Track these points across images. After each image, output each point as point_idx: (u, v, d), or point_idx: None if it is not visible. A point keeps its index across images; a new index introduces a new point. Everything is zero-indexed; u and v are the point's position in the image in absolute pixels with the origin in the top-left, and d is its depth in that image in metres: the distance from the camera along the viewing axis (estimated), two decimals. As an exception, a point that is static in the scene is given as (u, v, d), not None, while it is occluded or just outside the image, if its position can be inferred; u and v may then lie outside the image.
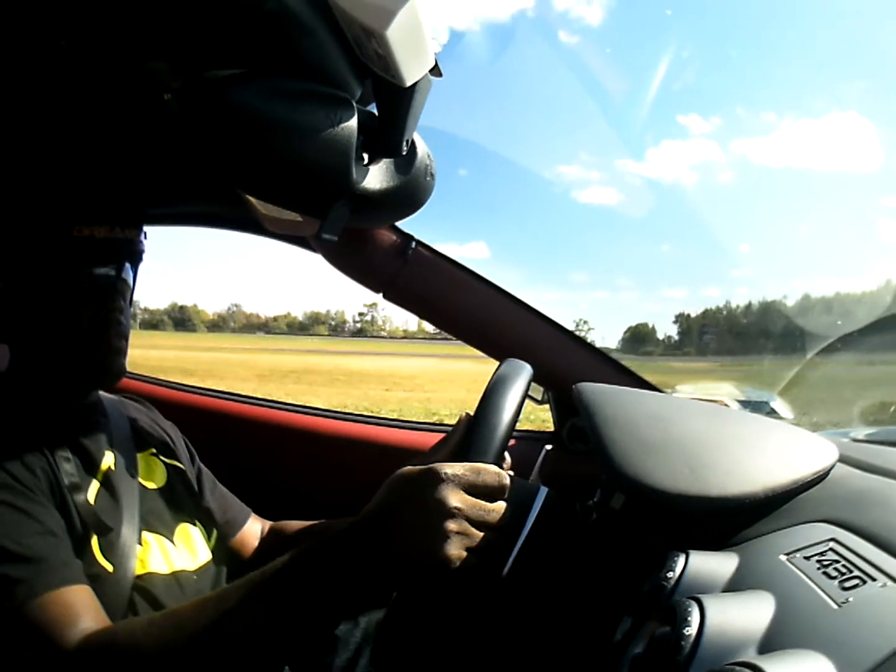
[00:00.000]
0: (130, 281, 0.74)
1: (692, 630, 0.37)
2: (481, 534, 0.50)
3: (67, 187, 0.69)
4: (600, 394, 0.74)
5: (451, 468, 0.50)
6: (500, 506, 0.51)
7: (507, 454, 0.78)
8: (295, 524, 0.92)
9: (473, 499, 0.50)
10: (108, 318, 0.71)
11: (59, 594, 0.57)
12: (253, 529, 0.92)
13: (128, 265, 0.73)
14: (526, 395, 0.63)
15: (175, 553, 0.74)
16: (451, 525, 0.48)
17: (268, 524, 0.95)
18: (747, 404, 1.11)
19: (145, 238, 0.75)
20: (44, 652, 0.55)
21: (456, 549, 0.48)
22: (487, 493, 0.51)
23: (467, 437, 0.55)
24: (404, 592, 0.52)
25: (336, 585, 0.50)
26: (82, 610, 0.57)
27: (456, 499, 0.49)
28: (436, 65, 0.57)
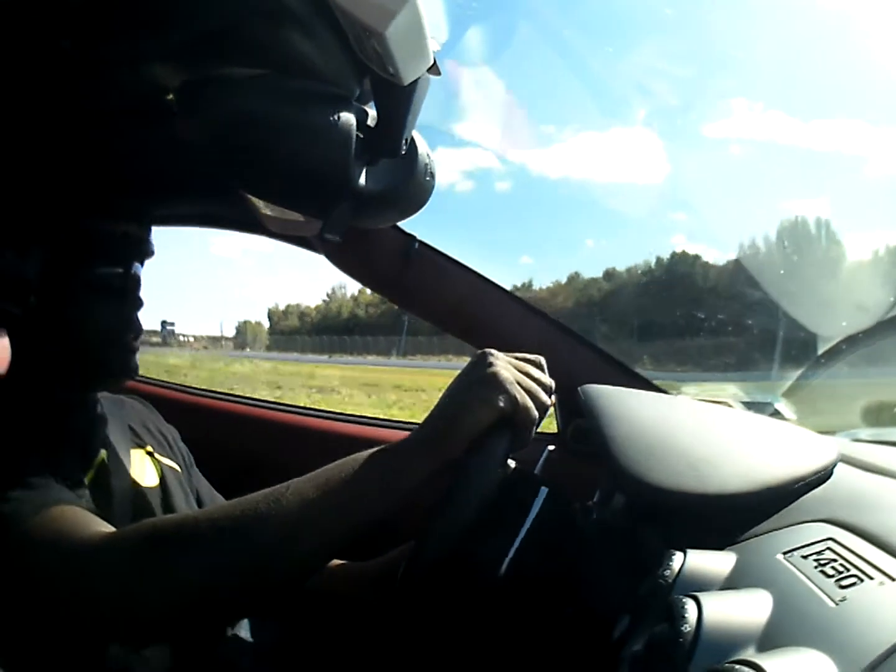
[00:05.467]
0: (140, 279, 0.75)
1: (690, 627, 0.37)
2: (536, 388, 0.56)
3: (89, 183, 0.70)
4: (606, 395, 0.74)
5: (496, 352, 0.57)
6: (541, 373, 0.59)
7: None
8: None
9: (517, 361, 0.58)
10: (126, 315, 0.72)
11: (68, 508, 0.56)
12: None
13: (137, 264, 0.74)
14: None
15: None
16: (505, 373, 0.54)
17: None
18: (751, 406, 1.11)
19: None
20: (64, 555, 0.52)
21: (518, 393, 0.54)
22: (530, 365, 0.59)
23: None
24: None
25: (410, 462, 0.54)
26: (98, 520, 0.56)
27: (506, 365, 0.56)
28: (434, 63, 0.58)
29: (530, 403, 0.54)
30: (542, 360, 0.60)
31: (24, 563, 0.53)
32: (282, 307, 60.80)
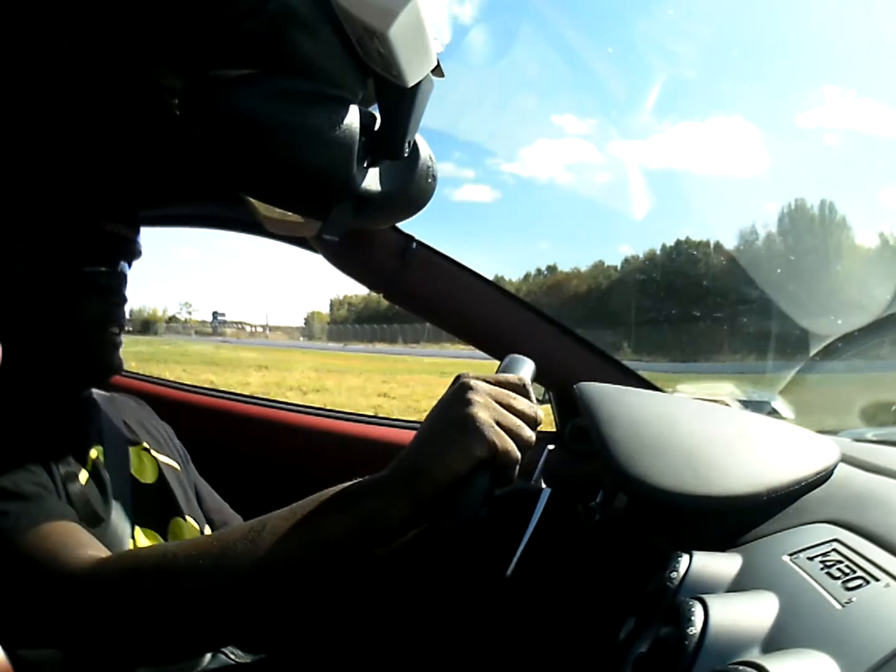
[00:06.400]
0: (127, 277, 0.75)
1: (696, 630, 0.37)
2: (519, 424, 0.51)
3: (88, 183, 0.70)
4: (602, 393, 0.74)
5: (474, 380, 0.52)
6: (526, 402, 0.53)
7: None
8: None
9: (499, 390, 0.52)
10: (112, 312, 0.72)
11: (59, 525, 0.57)
12: None
13: (124, 263, 0.74)
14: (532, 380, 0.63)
15: None
16: (483, 415, 0.49)
17: None
18: (748, 404, 1.11)
19: None
20: (49, 577, 0.52)
21: (497, 438, 0.48)
22: (511, 391, 0.53)
23: None
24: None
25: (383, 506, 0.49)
26: (86, 539, 0.57)
27: (486, 400, 0.50)
28: (438, 65, 0.57)
29: (511, 445, 0.49)
30: (528, 379, 0.55)
31: (9, 582, 0.54)
32: (340, 297, 64.21)
